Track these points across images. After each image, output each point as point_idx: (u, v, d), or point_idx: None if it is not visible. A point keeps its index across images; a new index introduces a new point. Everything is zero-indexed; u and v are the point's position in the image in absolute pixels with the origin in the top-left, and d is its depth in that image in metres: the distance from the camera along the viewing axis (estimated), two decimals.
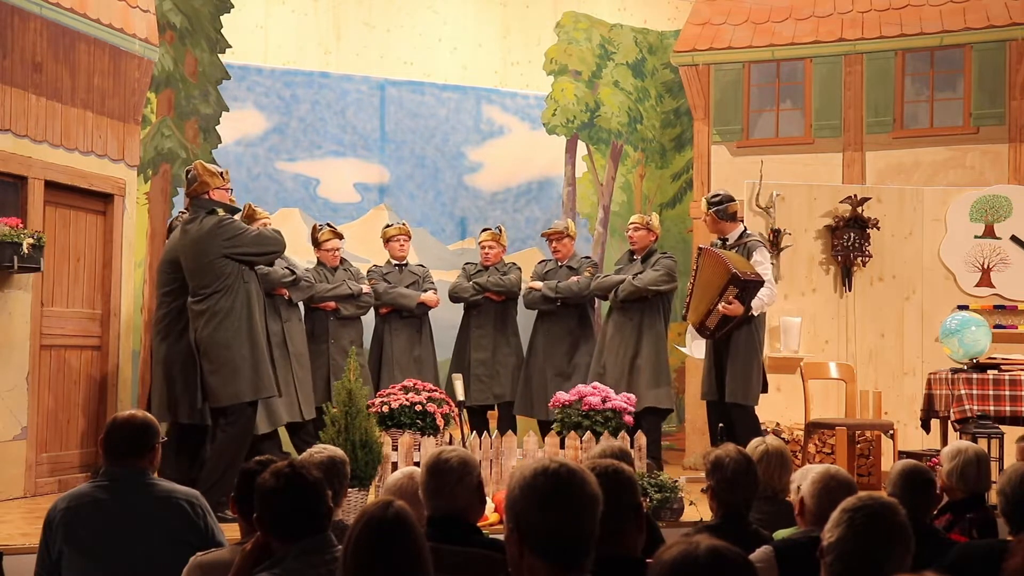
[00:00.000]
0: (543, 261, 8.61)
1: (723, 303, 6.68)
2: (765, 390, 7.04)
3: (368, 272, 8.31)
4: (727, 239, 7.12)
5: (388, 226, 8.43)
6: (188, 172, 6.48)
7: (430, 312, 8.29)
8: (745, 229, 7.22)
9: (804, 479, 3.61)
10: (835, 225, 8.65)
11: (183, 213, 6.96)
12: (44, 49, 7.29)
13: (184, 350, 6.47)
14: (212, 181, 6.35)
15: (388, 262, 8.36)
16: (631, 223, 8.10)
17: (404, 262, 8.34)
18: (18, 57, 7.09)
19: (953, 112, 9.50)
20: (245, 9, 8.91)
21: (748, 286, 6.66)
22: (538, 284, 8.23)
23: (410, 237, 8.41)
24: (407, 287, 8.19)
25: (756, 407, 6.93)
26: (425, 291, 8.20)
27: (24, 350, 7.03)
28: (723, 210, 7.08)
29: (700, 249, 7.10)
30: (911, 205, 8.81)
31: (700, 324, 6.91)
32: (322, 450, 3.74)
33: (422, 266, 8.49)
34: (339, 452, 3.77)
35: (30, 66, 7.18)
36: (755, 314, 6.81)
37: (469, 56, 9.71)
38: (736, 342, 6.83)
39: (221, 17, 8.80)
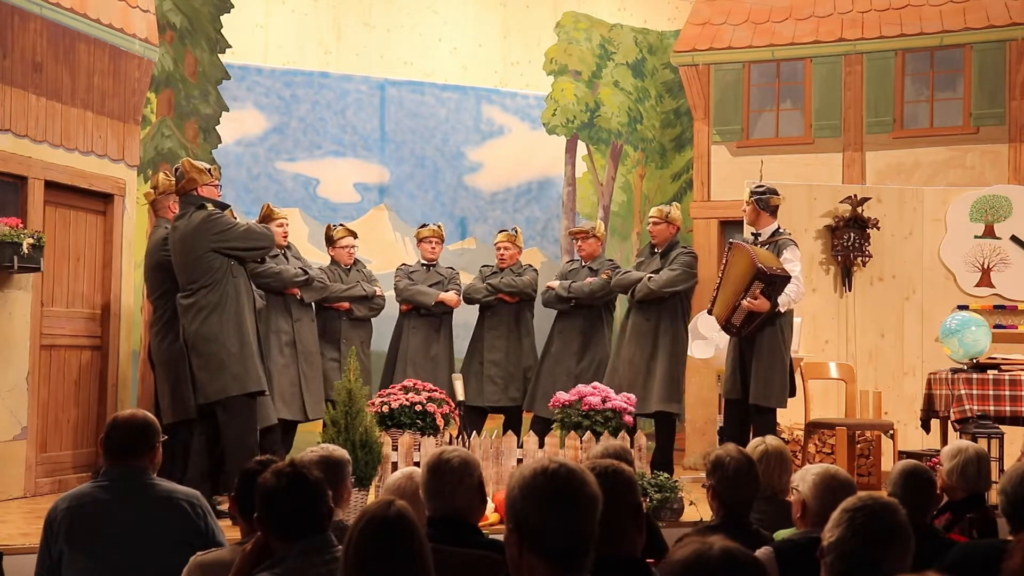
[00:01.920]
0: (569, 260, 8.60)
1: (748, 299, 6.48)
2: (793, 393, 6.86)
3: (397, 269, 8.35)
4: (759, 235, 6.95)
5: (423, 226, 8.42)
6: (177, 169, 6.51)
7: (453, 314, 8.26)
8: (779, 227, 7.01)
9: (804, 479, 3.60)
10: (835, 225, 8.64)
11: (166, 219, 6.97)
12: (44, 49, 7.29)
13: (181, 349, 6.49)
14: (200, 177, 6.37)
15: (418, 262, 8.39)
16: (650, 217, 7.93)
17: (434, 263, 8.33)
18: (18, 57, 7.09)
19: (953, 112, 9.50)
20: (245, 9, 8.90)
21: (775, 281, 6.47)
22: (554, 283, 8.22)
23: (443, 240, 8.40)
24: (430, 286, 8.18)
25: (779, 410, 6.76)
26: (447, 291, 8.19)
27: (24, 350, 7.03)
28: (765, 201, 6.91)
29: (730, 243, 6.88)
30: (911, 205, 8.80)
31: (726, 321, 6.70)
32: (323, 450, 3.73)
33: (451, 268, 8.44)
34: (340, 452, 3.76)
35: (30, 66, 7.18)
36: (782, 311, 6.62)
37: (469, 56, 9.71)
38: (760, 342, 6.65)
39: (221, 17, 8.80)
